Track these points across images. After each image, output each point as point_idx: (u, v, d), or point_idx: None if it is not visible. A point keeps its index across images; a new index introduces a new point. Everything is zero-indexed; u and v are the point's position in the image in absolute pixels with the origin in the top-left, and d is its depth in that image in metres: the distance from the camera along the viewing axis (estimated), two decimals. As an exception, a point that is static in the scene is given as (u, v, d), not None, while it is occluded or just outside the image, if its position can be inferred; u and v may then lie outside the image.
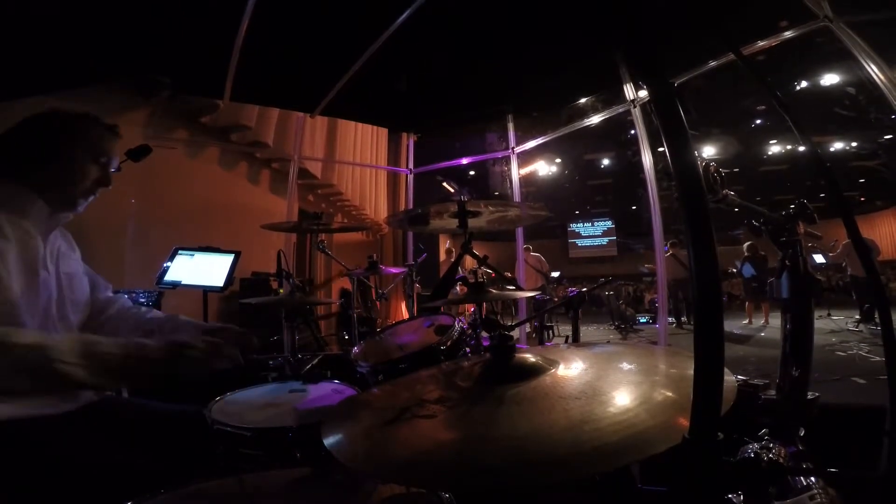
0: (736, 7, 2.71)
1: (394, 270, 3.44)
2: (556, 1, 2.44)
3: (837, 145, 12.24)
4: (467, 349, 1.61)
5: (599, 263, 17.09)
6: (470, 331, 1.64)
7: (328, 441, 0.75)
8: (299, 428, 1.17)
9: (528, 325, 5.10)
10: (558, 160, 14.54)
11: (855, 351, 5.02)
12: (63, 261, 1.24)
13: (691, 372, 0.51)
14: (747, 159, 13.26)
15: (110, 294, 1.41)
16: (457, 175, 11.67)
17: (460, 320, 1.67)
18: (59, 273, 1.21)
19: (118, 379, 1.02)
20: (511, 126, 4.96)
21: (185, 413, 1.28)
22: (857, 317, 6.72)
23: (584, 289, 1.60)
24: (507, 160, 5.32)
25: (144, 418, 1.25)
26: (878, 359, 4.53)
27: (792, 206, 0.93)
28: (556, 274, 8.71)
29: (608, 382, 0.79)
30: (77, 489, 0.98)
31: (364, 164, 7.19)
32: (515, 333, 1.01)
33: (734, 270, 7.56)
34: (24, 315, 1.05)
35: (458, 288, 2.21)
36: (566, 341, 1.56)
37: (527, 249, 7.96)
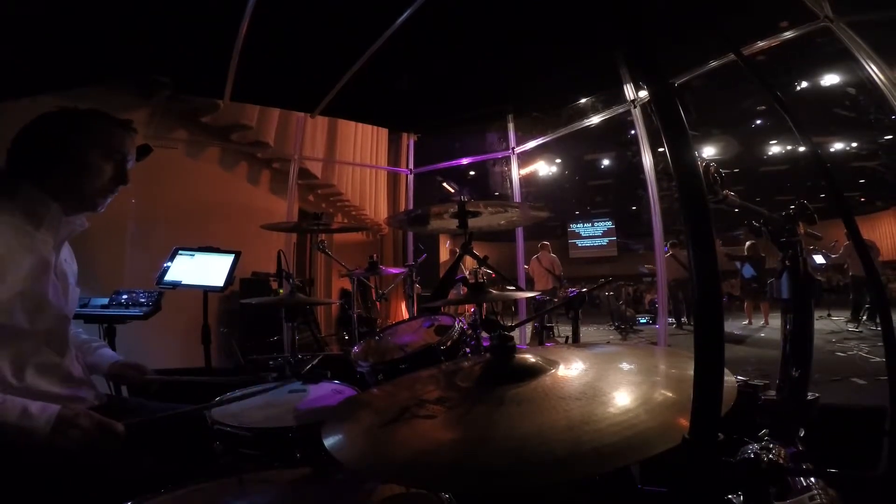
0: (736, 7, 2.71)
1: (394, 271, 3.44)
2: (557, 1, 2.44)
3: (838, 146, 12.23)
4: (467, 349, 1.61)
5: (599, 264, 17.07)
6: (470, 331, 1.64)
7: (328, 441, 0.75)
8: (299, 428, 1.18)
9: (528, 325, 5.09)
10: (558, 160, 14.53)
11: (855, 351, 5.02)
12: (69, 271, 1.25)
13: (691, 372, 0.51)
14: (747, 160, 13.25)
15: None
16: (457, 175, 11.70)
17: (460, 320, 1.67)
18: (66, 282, 1.22)
19: None
20: (511, 126, 4.96)
21: (185, 413, 1.28)
22: (849, 315, 6.75)
23: (584, 289, 1.60)
24: (507, 160, 5.32)
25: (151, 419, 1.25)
26: (878, 359, 4.53)
27: (792, 207, 0.93)
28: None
29: (608, 383, 0.79)
30: (77, 489, 0.98)
31: (364, 164, 7.19)
32: (515, 334, 1.01)
33: (738, 265, 7.58)
34: (19, 319, 1.06)
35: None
36: (566, 342, 1.56)
37: (544, 247, 7.84)
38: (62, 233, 1.19)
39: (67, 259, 1.27)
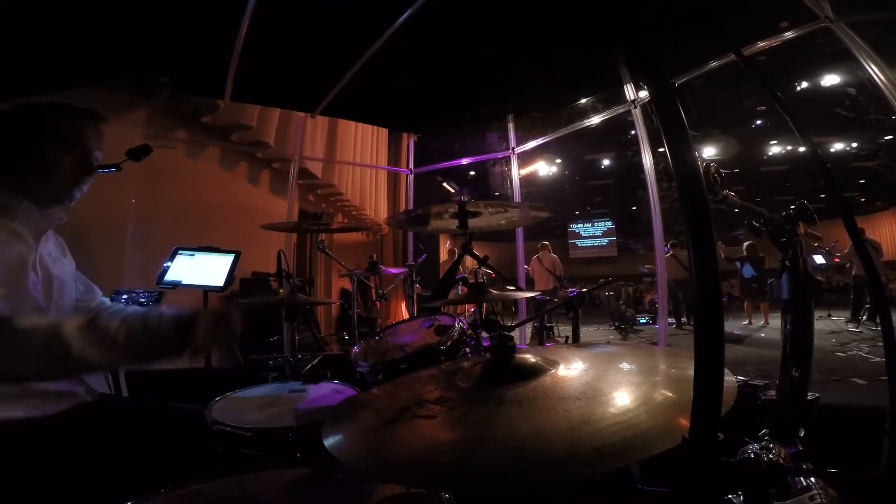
0: (736, 7, 2.71)
1: (394, 271, 3.45)
2: (557, 1, 2.44)
3: (838, 146, 12.22)
4: (467, 349, 1.61)
5: (599, 264, 17.07)
6: (470, 331, 1.64)
7: (328, 441, 0.75)
8: (299, 428, 1.18)
9: (528, 325, 5.09)
10: (558, 160, 14.51)
11: (855, 352, 5.01)
12: (54, 265, 1.21)
13: (691, 372, 0.51)
14: (747, 160, 13.25)
15: (100, 299, 1.38)
16: (457, 175, 11.69)
17: (460, 320, 1.67)
18: (48, 276, 1.18)
19: (130, 355, 0.92)
20: (511, 126, 4.96)
21: (184, 413, 1.28)
22: (849, 315, 6.76)
23: (584, 289, 1.60)
24: (507, 160, 5.32)
25: (145, 418, 1.25)
26: (878, 359, 4.53)
27: (792, 207, 0.93)
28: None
29: (608, 383, 0.79)
30: (77, 489, 0.98)
31: (364, 164, 7.19)
32: (515, 334, 1.01)
33: (738, 264, 7.60)
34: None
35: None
36: (566, 342, 1.56)
37: (544, 247, 7.79)
38: (40, 227, 1.17)
39: (52, 252, 1.23)
